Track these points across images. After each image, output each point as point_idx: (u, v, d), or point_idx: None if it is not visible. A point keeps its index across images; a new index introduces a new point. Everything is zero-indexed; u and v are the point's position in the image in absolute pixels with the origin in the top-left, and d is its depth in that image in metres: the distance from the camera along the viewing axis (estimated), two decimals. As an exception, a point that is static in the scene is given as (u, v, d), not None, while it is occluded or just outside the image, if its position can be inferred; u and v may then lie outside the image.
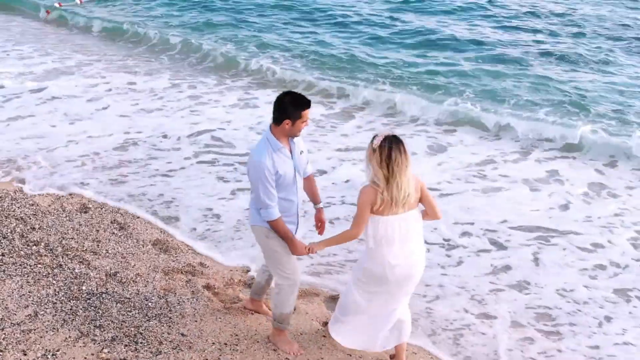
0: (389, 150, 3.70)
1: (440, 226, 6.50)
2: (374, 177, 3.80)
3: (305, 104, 3.96)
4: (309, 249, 4.19)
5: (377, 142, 3.75)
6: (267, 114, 9.24)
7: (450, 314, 5.28)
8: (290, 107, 3.94)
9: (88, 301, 5.03)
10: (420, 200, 3.96)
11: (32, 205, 6.72)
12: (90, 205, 6.82)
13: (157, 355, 4.43)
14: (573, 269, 5.97)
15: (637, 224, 6.78)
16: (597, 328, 5.19)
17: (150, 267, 5.65)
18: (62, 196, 7.05)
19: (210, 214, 6.83)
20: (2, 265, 5.44)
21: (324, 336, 4.82)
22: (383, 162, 3.72)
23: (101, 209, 6.79)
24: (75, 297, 5.07)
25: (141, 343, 4.56)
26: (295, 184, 4.17)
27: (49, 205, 6.75)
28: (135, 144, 8.59)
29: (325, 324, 4.80)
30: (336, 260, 6.00)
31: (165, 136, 8.87)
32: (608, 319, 5.31)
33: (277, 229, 4.12)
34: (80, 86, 11.04)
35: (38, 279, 5.26)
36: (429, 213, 4.05)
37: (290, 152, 4.12)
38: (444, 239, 6.39)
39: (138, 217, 6.67)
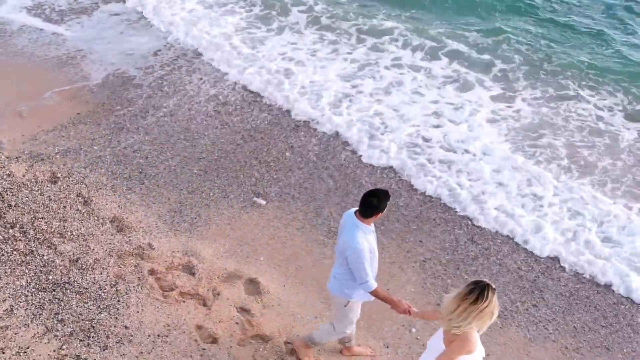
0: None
1: None
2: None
3: (389, 196, 4.66)
4: (409, 311, 4.77)
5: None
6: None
7: None
8: (382, 204, 4.63)
9: (53, 292, 6.19)
10: None
11: (9, 176, 7.63)
12: (60, 175, 7.73)
13: (104, 350, 5.68)
14: None
15: None
16: None
17: (106, 250, 6.73)
18: (35, 163, 7.90)
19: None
20: None
21: (237, 323, 6.03)
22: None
23: (68, 178, 7.71)
24: (43, 288, 6.22)
25: (93, 337, 5.78)
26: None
27: (23, 176, 7.66)
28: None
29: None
30: (256, 244, 7.01)
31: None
32: None
33: (377, 296, 4.82)
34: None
35: (13, 269, 6.38)
36: None
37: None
38: None
39: (100, 189, 7.60)
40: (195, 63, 10.39)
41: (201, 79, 9.98)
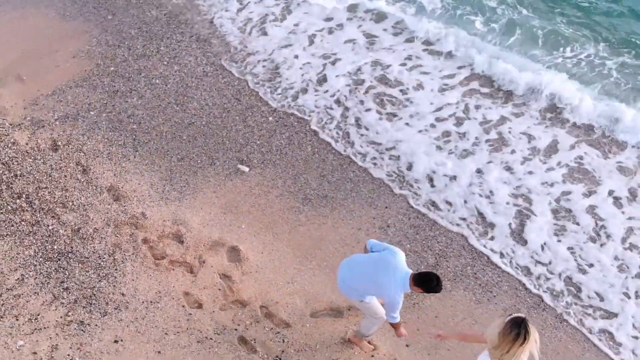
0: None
1: None
2: None
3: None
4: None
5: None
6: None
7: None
8: (438, 289, 5.20)
9: (58, 262, 7.00)
10: None
11: (14, 144, 8.28)
12: (60, 143, 8.36)
13: (104, 316, 6.57)
14: None
15: None
16: None
17: (104, 220, 7.48)
18: (37, 130, 8.51)
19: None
20: None
21: (219, 289, 6.87)
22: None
23: (68, 145, 8.34)
24: (50, 257, 7.04)
25: (94, 304, 6.66)
26: None
27: (27, 144, 8.30)
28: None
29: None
30: (238, 211, 7.70)
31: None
32: None
33: (396, 326, 5.67)
34: None
35: (22, 239, 7.17)
36: None
37: None
38: None
39: (97, 157, 8.25)
40: (186, 22, 10.63)
41: (191, 36, 10.27)
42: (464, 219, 7.64)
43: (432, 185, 8.03)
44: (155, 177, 7.98)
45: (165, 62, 9.68)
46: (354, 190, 7.99)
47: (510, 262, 7.23)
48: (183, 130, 8.64)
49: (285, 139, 8.61)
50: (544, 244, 7.34)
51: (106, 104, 8.93)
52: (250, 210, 7.70)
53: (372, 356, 6.31)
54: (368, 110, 8.99)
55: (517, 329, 4.26)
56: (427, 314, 6.67)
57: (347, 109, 8.99)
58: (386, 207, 7.81)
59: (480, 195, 7.86)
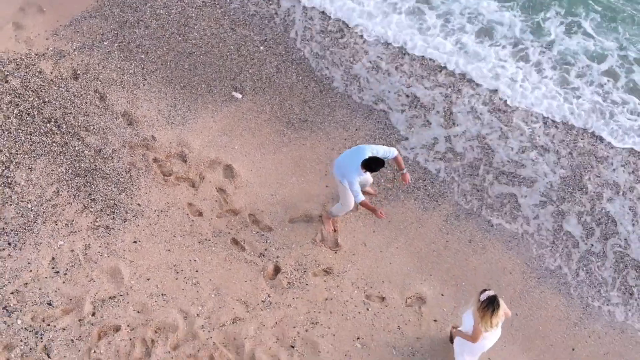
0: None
1: None
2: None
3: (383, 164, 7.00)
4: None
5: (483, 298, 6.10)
6: None
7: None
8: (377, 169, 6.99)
9: (85, 178, 8.57)
10: None
11: (40, 73, 9.62)
12: (79, 72, 9.68)
13: (124, 222, 8.21)
14: None
15: None
16: None
17: (121, 142, 8.93)
18: (59, 60, 9.81)
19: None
20: (32, 144, 8.84)
21: (216, 201, 8.47)
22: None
23: (86, 74, 9.66)
24: (78, 174, 8.60)
25: (116, 213, 8.30)
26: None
27: (51, 73, 9.62)
28: None
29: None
30: (232, 134, 9.11)
31: None
32: None
33: (370, 208, 7.25)
34: None
35: (54, 158, 8.69)
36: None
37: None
38: None
39: (112, 85, 9.60)
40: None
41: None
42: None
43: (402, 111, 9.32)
44: (162, 103, 9.32)
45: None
46: (331, 115, 9.31)
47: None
48: (185, 59, 9.84)
49: (274, 67, 9.81)
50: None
51: (117, 34, 10.07)
52: (242, 134, 9.09)
53: (335, 252, 7.95)
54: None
55: (492, 305, 6.04)
56: (382, 221, 8.25)
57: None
58: (356, 129, 9.16)
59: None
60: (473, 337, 6.33)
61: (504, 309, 6.23)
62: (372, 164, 6.89)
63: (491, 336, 6.45)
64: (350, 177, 7.03)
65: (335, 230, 8.04)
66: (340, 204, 7.70)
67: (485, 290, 6.18)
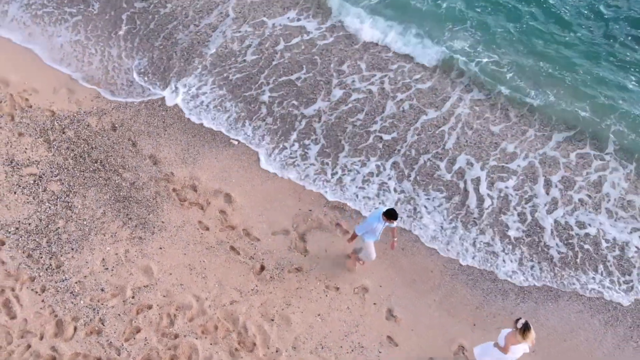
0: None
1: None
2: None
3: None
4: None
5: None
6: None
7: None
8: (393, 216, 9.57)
9: (124, 203, 11.69)
10: None
11: (88, 126, 12.85)
12: (117, 125, 12.92)
13: (153, 234, 11.30)
14: None
15: None
16: None
17: (148, 177, 12.15)
18: (102, 116, 13.04)
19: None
20: (85, 179, 12.01)
21: (219, 219, 11.65)
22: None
23: (121, 127, 12.91)
24: (118, 200, 11.73)
25: (146, 228, 11.37)
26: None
27: (96, 126, 12.86)
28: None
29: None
30: (230, 170, 12.33)
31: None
32: None
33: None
34: None
35: (101, 188, 11.87)
36: None
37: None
38: None
39: (141, 135, 12.83)
40: None
41: None
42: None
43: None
44: (178, 148, 12.51)
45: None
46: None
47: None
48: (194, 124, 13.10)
49: (276, 115, 13.08)
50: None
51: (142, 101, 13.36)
52: (238, 171, 12.26)
53: (304, 256, 11.09)
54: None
55: (528, 327, 8.24)
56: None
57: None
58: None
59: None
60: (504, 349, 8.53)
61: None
62: (391, 212, 9.41)
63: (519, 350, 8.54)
64: (372, 221, 9.69)
65: (353, 269, 10.98)
66: (366, 251, 10.17)
67: (519, 319, 8.32)
